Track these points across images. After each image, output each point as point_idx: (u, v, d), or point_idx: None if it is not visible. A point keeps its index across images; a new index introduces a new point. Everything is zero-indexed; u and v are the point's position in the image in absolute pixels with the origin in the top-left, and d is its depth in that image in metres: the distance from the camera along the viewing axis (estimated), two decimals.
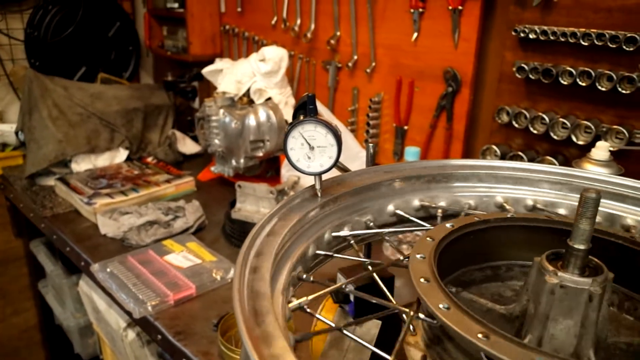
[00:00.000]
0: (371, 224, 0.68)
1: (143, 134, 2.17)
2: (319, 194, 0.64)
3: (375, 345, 0.74)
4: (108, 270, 1.31)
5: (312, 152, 0.61)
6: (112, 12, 2.64)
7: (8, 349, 2.40)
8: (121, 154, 2.09)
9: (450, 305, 0.43)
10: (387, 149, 1.74)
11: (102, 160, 2.03)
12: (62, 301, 2.00)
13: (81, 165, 1.97)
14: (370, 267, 0.60)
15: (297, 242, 0.58)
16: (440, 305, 0.43)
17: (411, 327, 0.50)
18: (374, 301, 0.51)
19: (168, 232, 1.52)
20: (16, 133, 2.15)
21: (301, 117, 0.61)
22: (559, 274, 0.46)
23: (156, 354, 1.41)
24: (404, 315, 0.49)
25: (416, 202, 0.71)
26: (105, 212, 1.59)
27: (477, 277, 0.62)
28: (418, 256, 0.51)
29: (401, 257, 0.58)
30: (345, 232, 0.65)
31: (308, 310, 0.49)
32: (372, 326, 0.74)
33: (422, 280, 0.47)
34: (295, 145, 0.61)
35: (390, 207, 0.70)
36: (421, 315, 0.47)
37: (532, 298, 0.49)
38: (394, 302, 0.51)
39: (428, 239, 0.54)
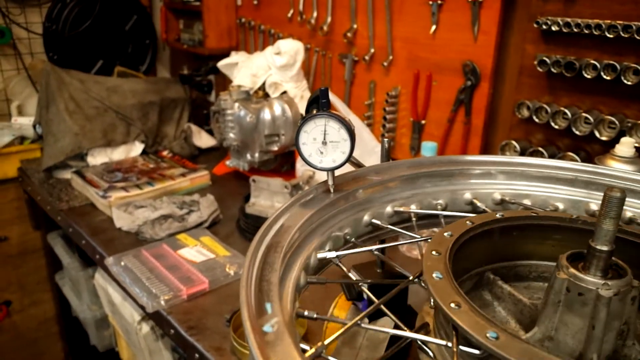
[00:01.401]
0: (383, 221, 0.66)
1: (159, 128, 2.17)
2: (332, 190, 0.62)
3: (388, 344, 0.73)
4: (122, 263, 1.31)
5: (324, 147, 0.59)
6: (129, 5, 2.65)
7: (27, 339, 2.44)
8: (137, 148, 2.09)
9: (499, 332, 0.39)
10: (404, 144, 1.71)
11: (118, 154, 2.04)
12: (79, 293, 2.01)
13: (97, 158, 1.98)
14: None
15: (308, 238, 0.57)
16: (488, 335, 0.39)
17: (430, 352, 0.47)
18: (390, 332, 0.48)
19: (182, 226, 1.52)
20: (34, 126, 2.17)
21: (314, 112, 0.59)
22: (570, 269, 0.45)
23: (170, 348, 1.41)
24: (419, 342, 0.47)
25: (437, 200, 0.69)
26: (121, 206, 1.60)
27: (497, 275, 0.60)
28: (435, 275, 0.47)
29: (411, 277, 0.54)
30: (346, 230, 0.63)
31: (325, 356, 0.45)
32: (386, 325, 0.72)
33: (453, 306, 0.43)
34: (308, 140, 0.59)
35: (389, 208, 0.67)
36: (465, 349, 0.42)
37: (567, 315, 0.47)
38: (406, 329, 0.48)
39: (434, 253, 0.51)
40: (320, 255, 0.57)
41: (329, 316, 0.85)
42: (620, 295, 0.43)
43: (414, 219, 0.66)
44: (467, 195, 0.70)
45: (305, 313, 0.46)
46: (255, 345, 0.36)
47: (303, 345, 0.40)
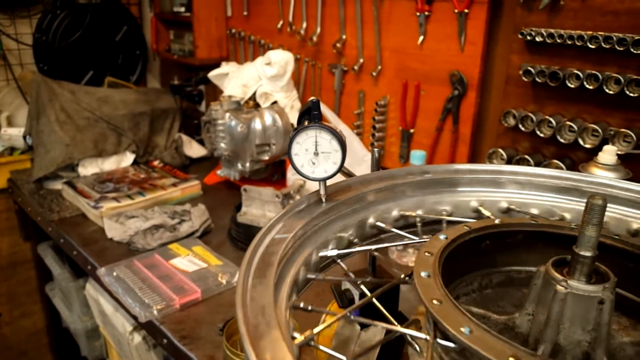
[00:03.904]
0: (376, 227, 0.68)
1: (150, 138, 2.18)
2: (324, 200, 0.63)
3: (380, 350, 0.74)
4: (114, 274, 1.32)
5: (316, 158, 0.61)
6: (120, 16, 2.66)
7: (16, 351, 2.41)
8: (128, 158, 2.10)
9: (472, 328, 0.41)
10: (393, 153, 1.73)
11: (109, 164, 2.04)
12: (70, 304, 2.00)
13: (88, 169, 1.98)
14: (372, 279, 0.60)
15: (301, 247, 0.58)
16: (462, 329, 0.40)
17: (417, 347, 0.49)
18: (380, 325, 0.50)
19: (174, 236, 1.53)
20: (24, 137, 2.16)
21: (306, 123, 0.61)
22: (569, 282, 0.46)
23: (162, 358, 1.42)
24: (408, 337, 0.48)
25: (420, 210, 0.71)
26: (112, 216, 1.60)
27: (476, 285, 0.62)
28: (423, 274, 0.48)
29: (402, 275, 0.57)
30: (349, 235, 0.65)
31: (315, 344, 0.45)
32: (378, 332, 0.74)
33: (435, 302, 0.44)
34: (300, 150, 0.61)
35: (395, 212, 0.69)
36: (442, 342, 0.44)
37: (539, 307, 0.49)
38: (397, 325, 0.49)
39: (426, 254, 0.52)
40: (322, 253, 0.60)
41: (322, 323, 0.86)
42: (582, 298, 0.46)
43: (418, 224, 0.68)
44: (473, 203, 0.72)
45: (301, 305, 0.49)
46: (252, 353, 0.37)
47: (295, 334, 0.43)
